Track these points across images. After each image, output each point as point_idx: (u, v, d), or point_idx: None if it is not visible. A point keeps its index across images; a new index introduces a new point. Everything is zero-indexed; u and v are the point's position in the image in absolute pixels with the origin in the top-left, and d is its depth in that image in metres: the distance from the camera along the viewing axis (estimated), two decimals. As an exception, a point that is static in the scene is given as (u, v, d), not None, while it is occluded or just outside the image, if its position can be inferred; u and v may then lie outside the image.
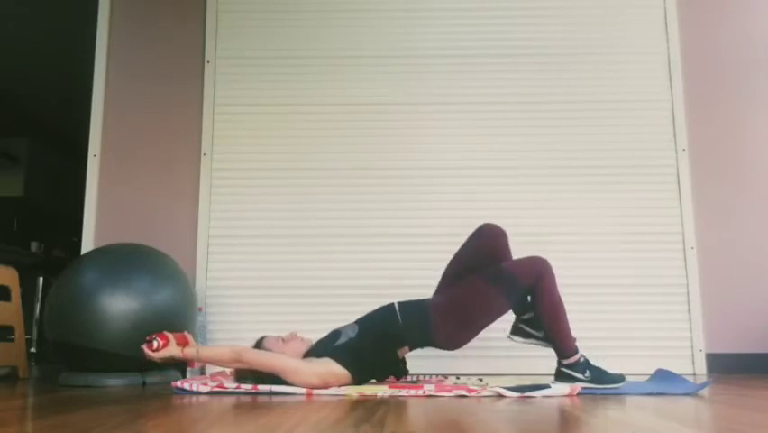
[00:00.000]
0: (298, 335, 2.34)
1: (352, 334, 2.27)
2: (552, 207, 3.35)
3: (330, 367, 2.16)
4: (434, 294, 2.44)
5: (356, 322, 2.35)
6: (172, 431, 1.29)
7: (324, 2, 3.55)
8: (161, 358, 2.14)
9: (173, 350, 2.14)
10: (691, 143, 3.38)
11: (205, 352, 2.14)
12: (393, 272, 3.30)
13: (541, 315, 2.27)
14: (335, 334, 2.31)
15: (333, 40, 3.51)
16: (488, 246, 2.41)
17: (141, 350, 2.14)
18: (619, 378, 2.26)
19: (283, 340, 2.28)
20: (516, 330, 2.38)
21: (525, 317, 2.34)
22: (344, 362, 2.18)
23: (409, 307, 2.32)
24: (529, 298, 2.32)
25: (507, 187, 3.37)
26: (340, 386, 2.19)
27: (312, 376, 2.12)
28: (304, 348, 2.29)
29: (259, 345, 2.29)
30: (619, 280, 3.27)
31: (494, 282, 2.26)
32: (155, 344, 2.15)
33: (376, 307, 3.23)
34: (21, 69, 5.50)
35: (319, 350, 2.26)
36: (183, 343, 2.21)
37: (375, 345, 2.24)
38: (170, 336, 2.17)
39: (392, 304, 2.36)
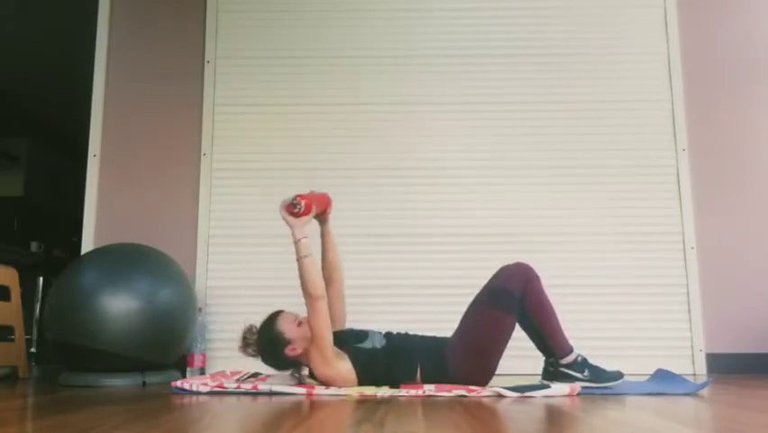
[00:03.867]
0: None
1: (378, 345, 2.25)
2: (552, 207, 3.35)
3: (344, 373, 2.18)
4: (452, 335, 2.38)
5: (385, 336, 2.31)
6: (171, 431, 1.29)
7: (325, 2, 3.55)
8: (296, 224, 2.16)
9: (306, 220, 2.17)
10: (691, 143, 3.38)
11: (307, 262, 2.15)
12: (393, 272, 3.30)
13: (533, 317, 2.27)
14: (363, 334, 2.30)
15: (333, 40, 3.51)
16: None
17: (282, 209, 2.16)
18: (618, 375, 2.26)
19: (299, 323, 2.25)
20: (558, 374, 2.27)
21: (565, 361, 2.27)
22: (359, 365, 2.19)
23: (430, 349, 2.28)
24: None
25: (507, 186, 3.37)
26: (340, 387, 2.20)
27: (329, 372, 2.16)
28: None
29: (275, 317, 2.27)
30: (619, 280, 3.27)
31: (493, 304, 2.26)
32: (297, 208, 2.12)
33: (375, 306, 3.24)
34: (21, 69, 5.50)
35: (341, 340, 2.25)
36: (323, 206, 2.20)
37: (390, 369, 2.22)
38: (313, 204, 2.17)
39: (418, 351, 2.29)
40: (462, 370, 2.24)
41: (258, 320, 2.32)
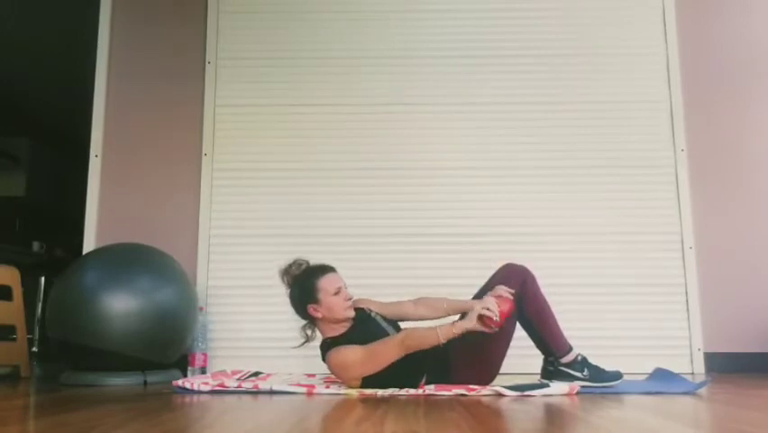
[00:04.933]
0: (351, 303, 2.27)
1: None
2: (550, 207, 3.35)
3: (352, 382, 2.17)
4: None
5: None
6: (172, 430, 1.30)
7: (325, 2, 3.56)
8: (472, 328, 2.07)
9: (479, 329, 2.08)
10: (690, 144, 3.39)
11: (436, 342, 2.09)
12: (393, 272, 3.30)
13: (531, 318, 2.27)
14: (385, 335, 2.25)
15: (332, 40, 3.52)
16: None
17: (481, 308, 2.05)
18: (617, 375, 2.27)
19: (338, 291, 2.22)
20: (557, 373, 2.28)
21: (564, 360, 2.28)
22: (367, 378, 2.16)
23: (435, 355, 2.24)
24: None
25: (506, 187, 3.37)
26: (341, 385, 2.21)
27: (342, 377, 2.16)
28: (341, 315, 2.22)
29: (323, 271, 2.25)
30: (618, 279, 3.28)
31: None
32: (492, 326, 2.03)
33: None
34: (21, 69, 5.50)
35: (367, 333, 2.20)
36: (503, 318, 2.08)
37: (396, 382, 2.20)
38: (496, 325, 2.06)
39: (424, 361, 2.26)
40: (465, 373, 2.24)
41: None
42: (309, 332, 2.31)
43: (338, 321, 2.25)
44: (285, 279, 2.31)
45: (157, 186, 3.40)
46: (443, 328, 2.09)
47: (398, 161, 3.40)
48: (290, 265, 2.32)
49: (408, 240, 3.33)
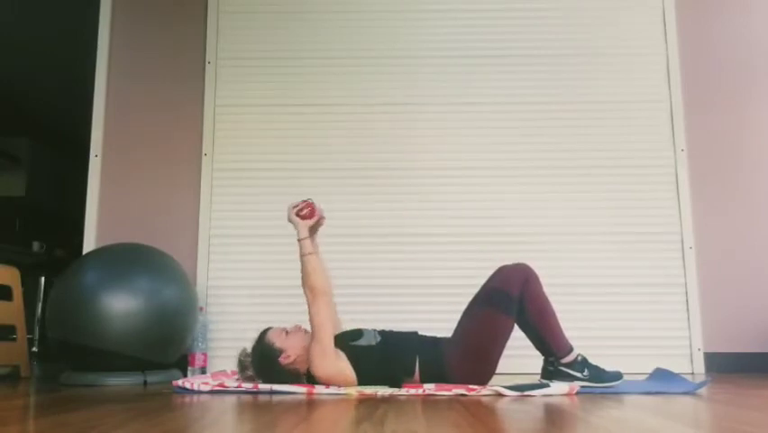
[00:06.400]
0: (302, 327, 2.33)
1: (373, 341, 2.26)
2: (550, 207, 3.35)
3: (345, 371, 2.19)
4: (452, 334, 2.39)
5: (380, 333, 2.33)
6: (172, 430, 1.30)
7: (325, 2, 3.56)
8: (301, 225, 2.27)
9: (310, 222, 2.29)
10: (690, 144, 3.39)
11: (310, 259, 2.24)
12: (393, 272, 3.31)
13: (531, 318, 2.27)
14: (357, 332, 2.31)
15: (333, 40, 3.52)
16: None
17: (291, 210, 2.30)
18: (617, 376, 2.27)
19: (287, 332, 2.29)
20: (557, 373, 2.28)
21: (564, 360, 2.27)
22: (356, 363, 2.20)
23: (429, 347, 2.29)
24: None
25: (506, 187, 3.37)
26: (339, 386, 2.21)
27: (330, 368, 2.17)
28: (307, 341, 2.28)
29: (263, 334, 2.30)
30: (618, 279, 3.28)
31: (489, 305, 2.26)
32: (304, 211, 2.29)
33: (375, 306, 3.25)
34: (22, 69, 5.51)
35: (336, 341, 2.25)
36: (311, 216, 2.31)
37: (387, 364, 2.23)
38: (317, 210, 2.31)
39: (415, 346, 2.31)
40: (461, 371, 2.24)
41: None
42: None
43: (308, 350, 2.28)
44: (246, 373, 2.32)
45: (157, 186, 3.40)
46: (299, 247, 2.26)
47: (399, 161, 3.40)
48: (241, 362, 2.34)
49: (409, 240, 3.33)
